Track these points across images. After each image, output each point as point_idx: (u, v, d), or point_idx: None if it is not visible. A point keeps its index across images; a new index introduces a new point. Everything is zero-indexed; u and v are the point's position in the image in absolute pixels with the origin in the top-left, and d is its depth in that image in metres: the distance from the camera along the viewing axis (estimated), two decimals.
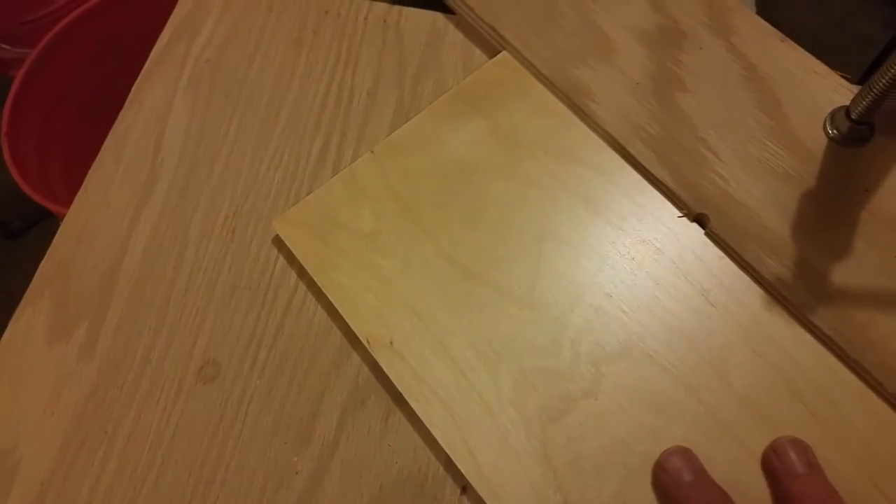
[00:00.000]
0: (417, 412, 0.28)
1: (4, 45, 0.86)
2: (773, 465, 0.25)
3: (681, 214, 0.31)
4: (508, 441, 0.27)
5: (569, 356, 0.28)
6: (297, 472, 0.28)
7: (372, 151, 0.34)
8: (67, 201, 0.72)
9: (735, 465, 0.26)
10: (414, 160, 0.34)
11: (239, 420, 0.30)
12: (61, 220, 0.75)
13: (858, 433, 0.26)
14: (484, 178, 0.33)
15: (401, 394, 0.28)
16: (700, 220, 0.31)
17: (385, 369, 0.29)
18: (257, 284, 0.33)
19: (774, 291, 0.28)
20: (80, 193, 0.38)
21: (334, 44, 0.40)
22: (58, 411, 0.31)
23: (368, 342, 0.29)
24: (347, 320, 0.30)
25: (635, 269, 0.30)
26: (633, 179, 0.32)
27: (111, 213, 0.37)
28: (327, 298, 0.31)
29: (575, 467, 0.26)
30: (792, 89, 0.32)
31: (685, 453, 0.26)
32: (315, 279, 0.31)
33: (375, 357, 0.29)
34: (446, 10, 0.40)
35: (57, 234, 0.37)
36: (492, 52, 0.38)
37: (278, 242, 0.34)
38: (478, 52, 0.38)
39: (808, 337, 0.28)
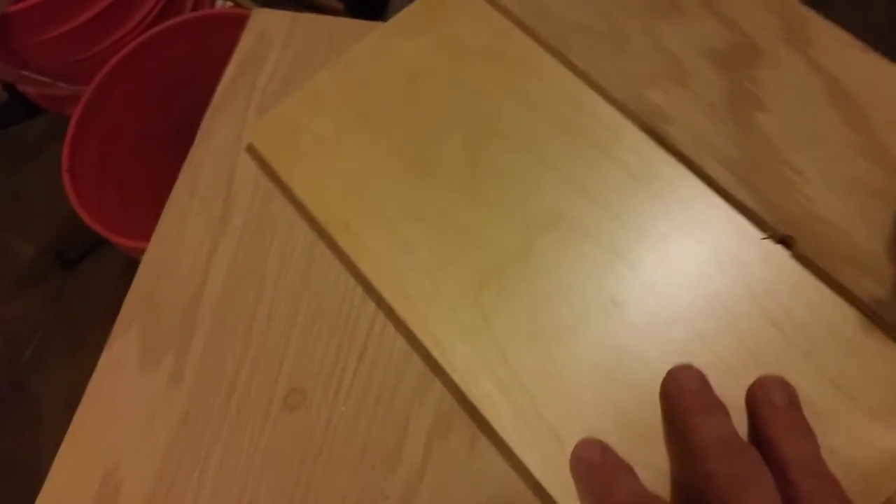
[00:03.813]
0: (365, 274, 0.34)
1: (60, 84, 0.92)
2: (755, 394, 0.28)
3: (764, 237, 0.32)
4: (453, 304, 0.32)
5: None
6: (386, 498, 0.30)
7: (330, 68, 0.40)
8: (124, 230, 0.77)
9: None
10: (368, 72, 0.39)
11: (327, 445, 0.32)
12: (119, 249, 0.79)
13: None
14: (431, 84, 0.38)
15: (487, 422, 0.30)
16: (785, 241, 0.32)
17: (343, 249, 0.35)
18: (338, 312, 0.35)
19: (871, 312, 0.29)
20: (157, 227, 0.41)
21: None
22: (153, 435, 0.33)
23: (328, 224, 0.35)
24: (311, 209, 0.36)
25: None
26: (573, 84, 0.37)
27: (189, 246, 0.40)
28: (406, 328, 0.33)
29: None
30: (879, 102, 0.34)
31: (695, 371, 0.29)
32: (283, 177, 0.37)
33: (334, 238, 0.35)
34: None
35: (139, 268, 0.40)
36: None
37: (252, 151, 0.39)
38: None
39: None
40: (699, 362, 0.29)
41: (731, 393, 0.29)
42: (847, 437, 0.27)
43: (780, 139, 0.33)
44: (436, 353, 0.32)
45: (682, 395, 0.28)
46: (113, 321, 0.36)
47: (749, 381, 0.29)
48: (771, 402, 0.27)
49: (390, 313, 0.34)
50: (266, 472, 0.32)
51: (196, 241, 0.40)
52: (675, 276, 0.32)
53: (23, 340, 1.20)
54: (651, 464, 0.28)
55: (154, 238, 0.41)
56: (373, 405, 0.33)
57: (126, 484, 0.32)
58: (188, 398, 0.34)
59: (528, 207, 0.34)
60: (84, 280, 1.22)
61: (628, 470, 0.28)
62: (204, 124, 0.44)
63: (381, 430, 0.32)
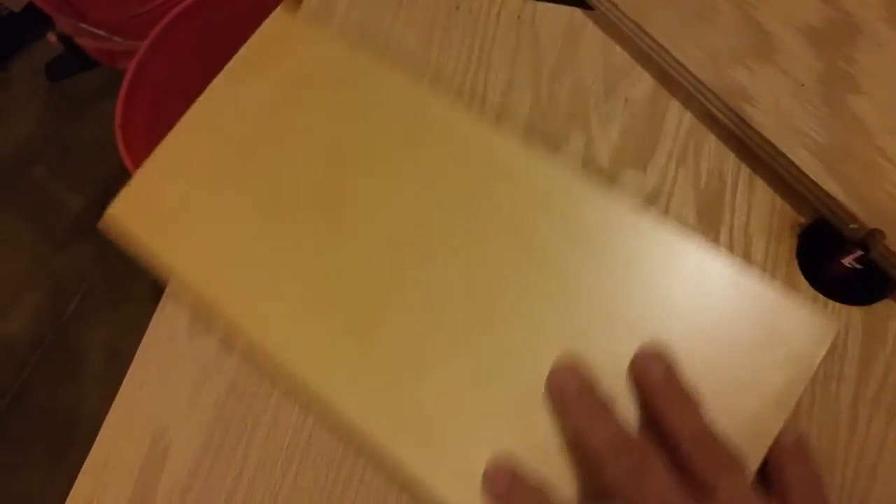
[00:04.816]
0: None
1: (116, 38, 0.93)
2: (634, 369, 0.28)
3: (853, 227, 0.30)
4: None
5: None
6: None
7: (178, 126, 0.38)
8: None
9: None
10: (216, 122, 0.37)
11: None
12: None
13: None
14: (281, 122, 0.37)
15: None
16: (872, 235, 0.30)
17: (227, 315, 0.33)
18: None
19: None
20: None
21: (466, 41, 0.41)
22: (201, 402, 0.34)
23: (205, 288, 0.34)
24: (186, 279, 0.34)
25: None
26: (413, 96, 0.36)
27: None
28: None
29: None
30: None
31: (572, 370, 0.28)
32: (153, 251, 0.35)
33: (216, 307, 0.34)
34: (584, 4, 0.41)
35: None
36: (634, 51, 0.38)
37: (114, 228, 0.36)
38: (618, 49, 0.39)
39: None
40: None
41: None
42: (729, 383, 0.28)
43: (874, 124, 0.31)
44: (328, 401, 0.30)
45: (565, 404, 0.28)
46: (154, 279, 0.36)
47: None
48: (649, 374, 0.28)
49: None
50: (313, 446, 0.32)
51: None
52: (552, 280, 0.31)
53: (69, 293, 1.24)
54: (565, 480, 0.28)
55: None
56: None
57: (174, 447, 0.33)
58: (237, 366, 0.34)
59: (392, 229, 0.33)
60: None
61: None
62: None
63: None
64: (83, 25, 0.91)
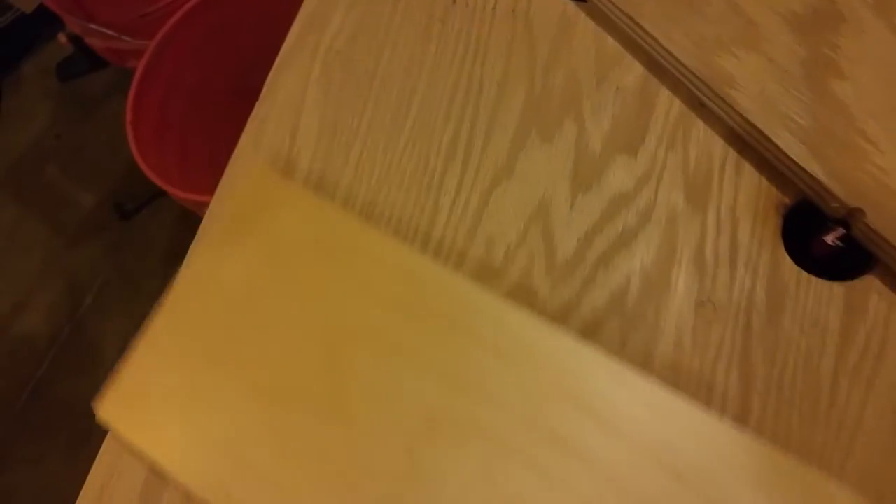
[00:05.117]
0: None
1: (125, 37, 0.95)
2: None
3: (835, 206, 0.32)
4: None
5: None
6: None
7: (161, 309, 0.35)
8: (181, 183, 0.80)
9: None
10: (200, 302, 0.35)
11: None
12: (175, 201, 0.83)
13: None
14: (270, 296, 0.34)
15: None
16: (852, 213, 0.31)
17: None
18: None
19: None
20: (222, 181, 0.43)
21: (462, 34, 0.43)
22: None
23: (204, 492, 0.31)
24: (182, 480, 0.32)
25: None
26: (405, 256, 0.34)
27: None
28: None
29: None
30: None
31: None
32: (144, 450, 0.33)
33: None
34: None
35: (202, 222, 0.42)
36: (625, 41, 0.40)
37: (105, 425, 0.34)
38: (610, 41, 0.40)
39: None
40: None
41: None
42: None
43: (856, 108, 0.33)
44: None
45: None
46: (167, 272, 0.38)
47: None
48: None
49: None
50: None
51: None
52: (569, 458, 0.29)
53: (84, 287, 1.27)
54: None
55: (219, 191, 0.43)
56: None
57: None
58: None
59: (403, 415, 0.31)
60: (140, 231, 1.27)
61: None
62: (269, 80, 0.45)
63: None
64: (92, 26, 0.93)
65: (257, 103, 0.45)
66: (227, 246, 0.36)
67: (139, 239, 1.27)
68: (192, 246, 0.36)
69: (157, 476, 0.34)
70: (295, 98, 0.44)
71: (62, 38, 1.08)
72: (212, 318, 0.34)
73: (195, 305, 0.35)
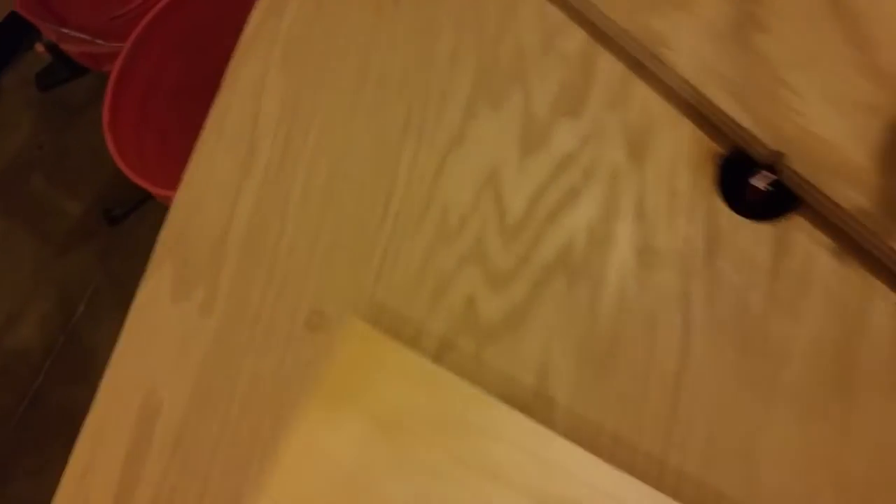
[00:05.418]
0: None
1: (98, 41, 0.97)
2: None
3: (762, 151, 0.33)
4: None
5: None
6: None
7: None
8: (164, 182, 0.81)
9: None
10: (299, 484, 0.32)
11: None
12: (160, 201, 0.84)
13: None
14: (381, 483, 0.31)
15: None
16: (777, 157, 0.33)
17: None
18: (354, 242, 0.39)
19: (856, 225, 0.31)
20: (187, 169, 0.45)
21: (412, 10, 0.45)
22: (186, 360, 0.38)
23: None
24: None
25: None
26: (530, 431, 0.31)
27: (217, 186, 0.43)
28: None
29: None
30: (882, 20, 0.34)
31: None
32: None
33: None
34: None
35: (171, 208, 0.44)
36: (567, 9, 0.41)
37: None
38: (554, 9, 0.42)
39: None
40: None
41: None
42: None
43: (778, 59, 0.34)
44: None
45: None
46: None
47: None
48: None
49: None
50: (291, 389, 0.36)
51: (224, 180, 0.43)
52: None
53: (75, 296, 1.28)
54: None
55: (185, 179, 0.45)
56: None
57: (165, 403, 0.37)
58: (218, 325, 0.38)
59: None
60: (129, 237, 1.29)
61: None
62: (230, 70, 0.47)
63: None
64: (65, 30, 0.95)
65: (219, 92, 0.46)
66: (325, 427, 0.32)
67: (129, 244, 1.29)
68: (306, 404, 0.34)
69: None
70: (255, 84, 0.45)
71: (39, 47, 1.10)
72: (330, 482, 0.31)
73: (290, 485, 0.32)
